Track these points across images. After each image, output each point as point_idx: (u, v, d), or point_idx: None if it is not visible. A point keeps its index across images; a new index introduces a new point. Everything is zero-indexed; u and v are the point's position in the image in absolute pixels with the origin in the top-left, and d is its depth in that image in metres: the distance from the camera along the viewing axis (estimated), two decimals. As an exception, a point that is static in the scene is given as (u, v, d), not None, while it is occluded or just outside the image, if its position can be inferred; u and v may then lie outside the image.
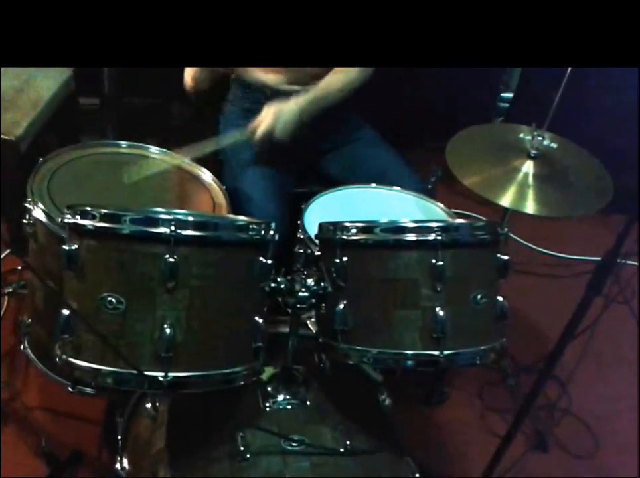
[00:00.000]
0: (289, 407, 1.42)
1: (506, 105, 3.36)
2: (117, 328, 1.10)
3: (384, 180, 1.84)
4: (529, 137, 1.75)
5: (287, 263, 1.41)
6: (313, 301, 1.31)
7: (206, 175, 1.73)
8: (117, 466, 1.44)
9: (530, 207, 1.62)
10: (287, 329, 1.40)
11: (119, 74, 2.63)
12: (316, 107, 1.84)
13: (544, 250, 2.91)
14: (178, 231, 1.09)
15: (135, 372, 1.09)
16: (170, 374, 1.11)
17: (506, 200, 1.62)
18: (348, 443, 1.34)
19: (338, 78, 1.87)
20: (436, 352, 1.22)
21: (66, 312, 1.11)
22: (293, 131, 1.79)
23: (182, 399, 1.40)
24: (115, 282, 1.10)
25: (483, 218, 2.46)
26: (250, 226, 1.19)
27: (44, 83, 2.23)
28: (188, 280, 1.11)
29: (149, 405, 1.40)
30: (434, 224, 1.23)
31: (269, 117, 1.76)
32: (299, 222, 1.58)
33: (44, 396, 1.90)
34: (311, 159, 2.04)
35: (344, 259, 1.26)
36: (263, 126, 1.76)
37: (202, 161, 1.76)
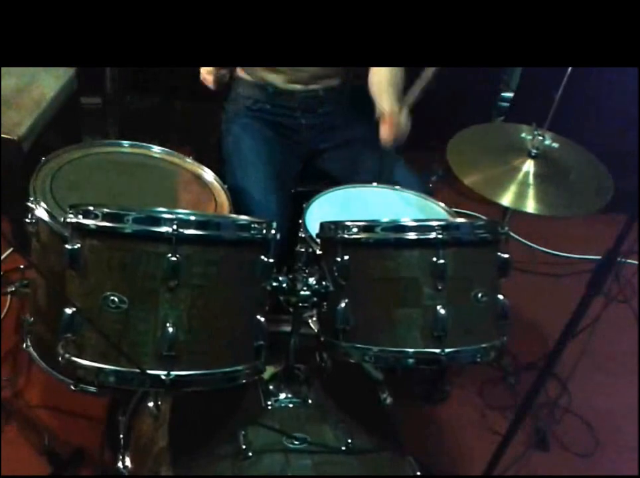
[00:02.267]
0: (290, 405, 1.43)
1: (506, 105, 3.36)
2: (120, 328, 1.11)
3: (383, 178, 1.84)
4: (530, 137, 1.75)
5: (289, 262, 1.42)
6: (315, 299, 1.32)
7: (208, 174, 1.73)
8: (120, 464, 1.45)
9: (530, 206, 1.62)
10: (288, 328, 1.40)
11: (121, 74, 2.64)
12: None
13: (544, 249, 2.91)
14: (181, 230, 1.09)
15: (137, 370, 1.10)
16: (173, 373, 1.11)
17: (506, 199, 1.62)
18: (349, 441, 1.35)
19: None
20: (437, 351, 1.22)
21: (68, 311, 1.11)
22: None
23: (184, 397, 1.41)
24: (118, 281, 1.11)
25: (484, 217, 2.47)
26: (252, 225, 1.19)
27: (46, 83, 2.24)
28: (190, 279, 1.11)
29: (151, 403, 1.40)
30: (435, 223, 1.23)
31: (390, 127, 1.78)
32: (300, 221, 1.59)
33: (46, 394, 1.91)
34: (312, 158, 2.05)
35: (346, 258, 1.27)
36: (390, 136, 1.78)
37: (204, 160, 1.76)
